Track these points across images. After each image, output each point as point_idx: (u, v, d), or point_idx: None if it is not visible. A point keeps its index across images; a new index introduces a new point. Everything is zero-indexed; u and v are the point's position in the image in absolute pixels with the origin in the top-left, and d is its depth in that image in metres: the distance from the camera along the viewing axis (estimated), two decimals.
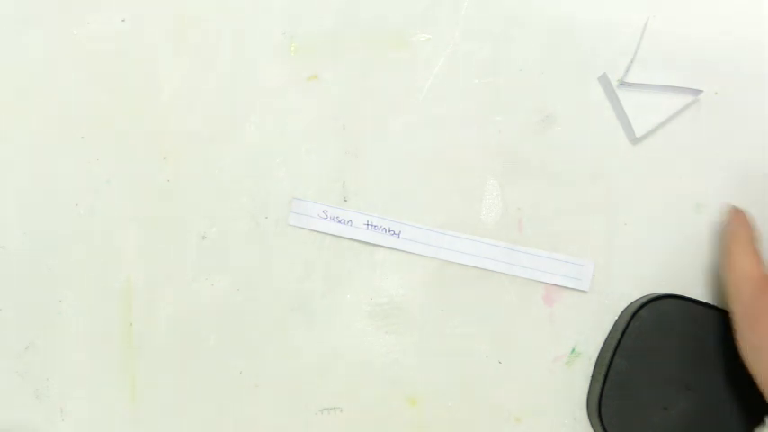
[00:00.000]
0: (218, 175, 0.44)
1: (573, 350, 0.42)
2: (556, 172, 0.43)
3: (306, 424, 0.43)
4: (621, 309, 0.42)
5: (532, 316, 0.43)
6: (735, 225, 0.40)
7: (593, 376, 0.42)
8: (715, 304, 0.41)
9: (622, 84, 0.42)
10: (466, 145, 0.43)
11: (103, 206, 0.44)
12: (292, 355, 0.43)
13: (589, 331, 0.42)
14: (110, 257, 0.44)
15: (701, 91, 0.42)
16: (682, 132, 0.43)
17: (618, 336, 0.40)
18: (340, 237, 0.43)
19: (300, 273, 0.43)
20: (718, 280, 0.41)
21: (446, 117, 0.43)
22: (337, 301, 0.43)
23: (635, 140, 0.43)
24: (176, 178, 0.44)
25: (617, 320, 0.42)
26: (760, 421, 0.39)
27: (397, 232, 0.43)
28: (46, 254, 0.44)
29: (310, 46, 0.44)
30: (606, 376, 0.40)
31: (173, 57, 0.44)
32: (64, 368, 0.44)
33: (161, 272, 0.43)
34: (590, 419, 0.41)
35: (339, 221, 0.43)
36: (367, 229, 0.43)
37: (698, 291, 0.42)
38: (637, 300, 0.42)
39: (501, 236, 0.43)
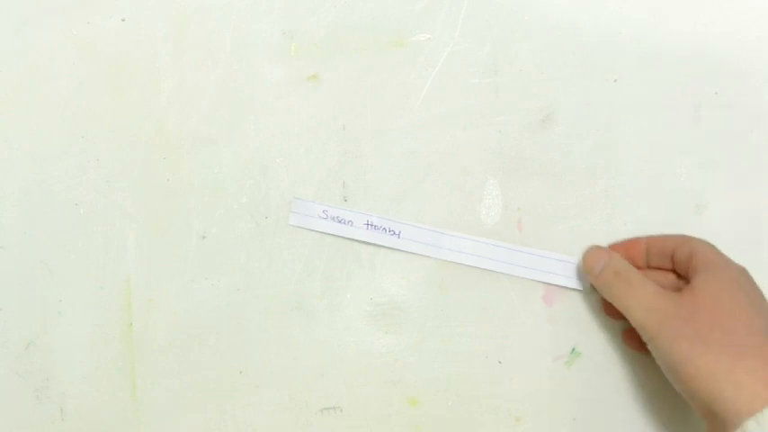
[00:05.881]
0: (218, 174, 0.44)
1: (573, 350, 0.42)
2: (556, 172, 0.43)
3: (306, 424, 0.43)
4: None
5: (532, 316, 0.43)
6: (604, 272, 0.39)
7: None
8: None
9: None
10: (466, 145, 0.43)
11: (103, 206, 0.44)
12: (292, 355, 0.43)
13: (589, 331, 0.42)
14: (110, 257, 0.44)
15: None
16: (682, 132, 0.43)
17: None
18: (340, 237, 0.43)
19: (300, 273, 0.43)
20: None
21: (446, 117, 0.43)
22: (337, 301, 0.43)
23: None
24: (176, 178, 0.44)
25: None
26: None
27: (397, 232, 0.43)
28: (46, 254, 0.44)
29: (310, 46, 0.44)
30: None
31: (173, 57, 0.44)
32: (64, 368, 0.44)
33: (161, 272, 0.43)
34: None
35: (339, 221, 0.43)
36: (367, 229, 0.43)
37: None
38: None
39: (501, 236, 0.43)
